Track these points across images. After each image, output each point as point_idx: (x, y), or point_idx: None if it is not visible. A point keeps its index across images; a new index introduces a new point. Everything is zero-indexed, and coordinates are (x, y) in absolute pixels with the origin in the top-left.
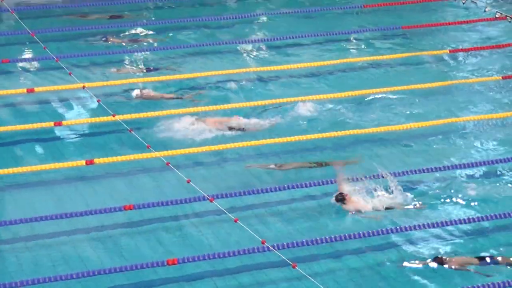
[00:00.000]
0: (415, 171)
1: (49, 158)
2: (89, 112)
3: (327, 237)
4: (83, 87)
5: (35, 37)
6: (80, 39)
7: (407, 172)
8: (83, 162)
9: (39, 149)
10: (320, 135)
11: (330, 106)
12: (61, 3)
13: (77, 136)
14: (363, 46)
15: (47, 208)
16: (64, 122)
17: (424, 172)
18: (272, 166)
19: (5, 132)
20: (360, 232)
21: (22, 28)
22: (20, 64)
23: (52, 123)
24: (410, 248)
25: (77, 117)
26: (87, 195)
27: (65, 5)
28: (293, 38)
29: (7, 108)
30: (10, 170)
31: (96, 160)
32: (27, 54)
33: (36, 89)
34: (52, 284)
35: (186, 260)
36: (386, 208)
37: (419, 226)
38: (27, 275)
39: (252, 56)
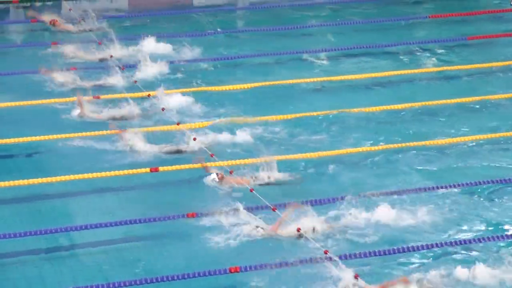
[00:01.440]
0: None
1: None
2: (152, 120)
3: None
4: (149, 95)
5: (101, 45)
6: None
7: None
8: (148, 170)
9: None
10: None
11: (395, 115)
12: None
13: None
14: (428, 56)
15: None
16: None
17: None
18: None
19: None
20: None
21: (89, 36)
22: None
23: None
24: None
25: (142, 126)
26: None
27: (129, 15)
28: (360, 48)
29: None
30: None
31: (161, 168)
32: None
33: (100, 96)
34: None
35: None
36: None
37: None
38: None
39: (322, 65)
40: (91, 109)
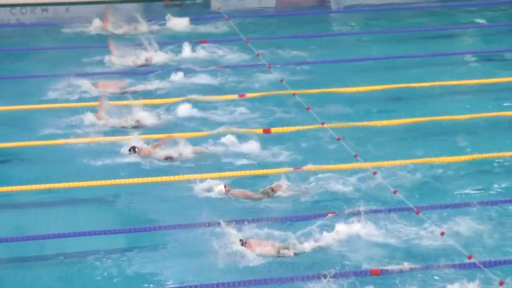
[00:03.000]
0: None
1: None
2: (297, 119)
3: None
4: (294, 94)
5: (248, 44)
6: (291, 47)
7: None
8: (291, 169)
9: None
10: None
11: None
12: (275, 12)
13: (284, 141)
14: None
15: None
16: (273, 129)
17: None
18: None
19: None
20: None
21: (237, 35)
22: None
23: (261, 130)
24: None
25: (287, 124)
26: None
27: (280, 13)
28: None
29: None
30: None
31: (304, 168)
32: (240, 61)
33: (248, 95)
34: None
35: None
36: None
37: None
38: None
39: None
40: (110, 114)
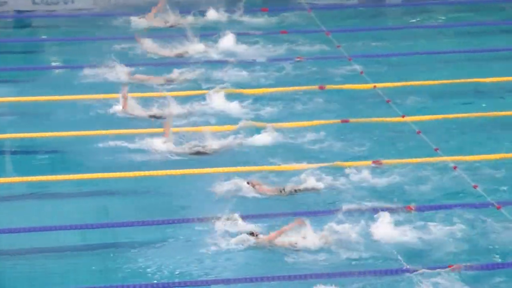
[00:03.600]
0: None
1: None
2: (377, 112)
3: None
4: (374, 87)
5: (330, 36)
6: (372, 39)
7: None
8: (370, 162)
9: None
10: None
11: None
12: (356, 4)
13: (364, 133)
14: None
15: None
16: (352, 120)
17: None
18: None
19: None
20: None
21: (318, 27)
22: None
23: (339, 120)
24: None
25: (366, 116)
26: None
27: (361, 5)
28: None
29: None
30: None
31: (383, 161)
32: (321, 53)
33: (327, 86)
34: None
35: None
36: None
37: None
38: None
39: None
40: (133, 105)
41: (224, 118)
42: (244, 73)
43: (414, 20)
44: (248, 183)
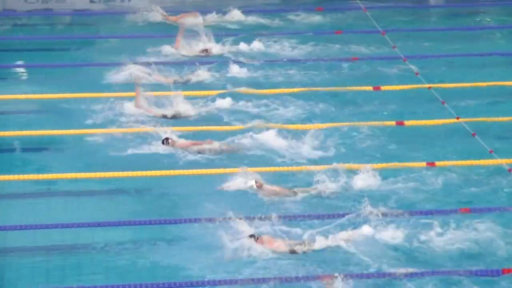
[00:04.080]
0: None
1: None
2: (432, 113)
3: None
4: (429, 88)
5: (385, 36)
6: (429, 40)
7: None
8: (424, 164)
9: None
10: None
11: None
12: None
13: (418, 135)
14: None
15: None
16: (407, 122)
17: None
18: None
19: None
20: None
21: (374, 27)
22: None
23: (394, 122)
24: None
25: (421, 118)
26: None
27: (416, 6)
28: None
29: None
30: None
31: (437, 163)
32: (376, 53)
33: (381, 87)
34: None
35: None
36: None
37: None
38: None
39: None
40: (147, 104)
41: (279, 118)
42: (299, 72)
43: (469, 21)
44: (256, 184)
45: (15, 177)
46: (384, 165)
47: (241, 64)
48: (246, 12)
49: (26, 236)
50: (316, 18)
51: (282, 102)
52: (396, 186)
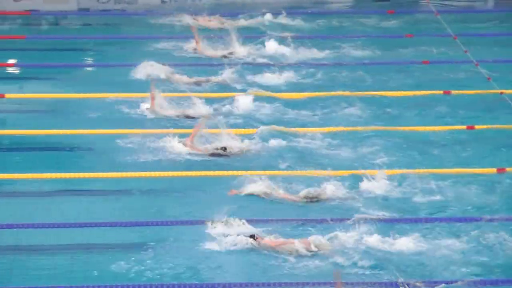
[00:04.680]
0: None
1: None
2: (503, 118)
3: None
4: (501, 93)
5: (457, 40)
6: (502, 45)
7: None
8: (495, 170)
9: None
10: None
11: None
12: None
13: (489, 140)
14: None
15: None
16: (477, 127)
17: None
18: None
19: None
20: None
21: (445, 31)
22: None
23: (464, 127)
24: None
25: (492, 123)
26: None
27: (489, 10)
28: None
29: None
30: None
31: (508, 169)
32: (447, 57)
33: (453, 91)
34: None
35: None
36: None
37: None
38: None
39: None
40: (162, 105)
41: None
42: (366, 75)
43: None
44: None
45: (41, 175)
46: (454, 170)
47: (267, 66)
48: (312, 13)
49: (48, 234)
50: (387, 21)
51: (348, 103)
52: (467, 190)
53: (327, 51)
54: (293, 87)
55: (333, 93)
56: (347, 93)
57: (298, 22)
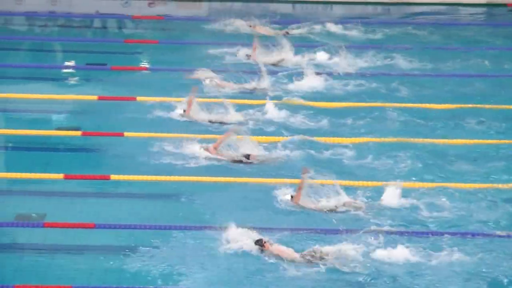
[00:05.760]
0: None
1: None
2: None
3: None
4: None
5: None
6: None
7: None
8: None
9: None
10: None
11: None
12: None
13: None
14: None
15: None
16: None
17: None
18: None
19: None
20: None
21: None
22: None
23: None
24: None
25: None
26: None
27: None
28: None
29: None
30: None
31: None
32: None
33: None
34: None
35: None
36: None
37: None
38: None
39: None
40: (197, 111)
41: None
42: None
43: None
44: (291, 196)
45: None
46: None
47: (312, 75)
48: (364, 24)
49: (84, 234)
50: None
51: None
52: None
53: (377, 62)
54: (333, 96)
55: (368, 104)
56: (380, 104)
57: (354, 32)
